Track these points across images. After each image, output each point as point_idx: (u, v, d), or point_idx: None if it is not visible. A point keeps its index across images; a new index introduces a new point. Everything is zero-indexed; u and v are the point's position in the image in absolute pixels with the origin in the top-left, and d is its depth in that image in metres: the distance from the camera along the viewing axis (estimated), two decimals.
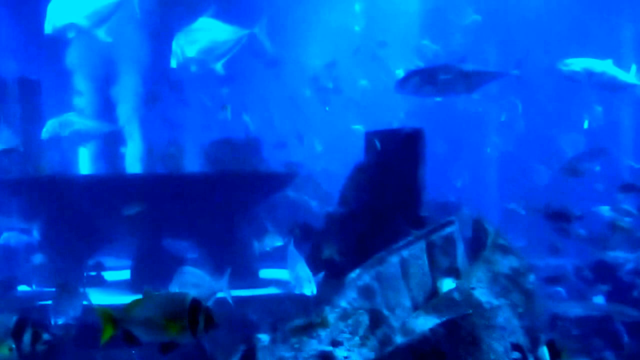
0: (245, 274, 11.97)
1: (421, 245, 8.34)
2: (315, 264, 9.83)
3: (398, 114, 22.43)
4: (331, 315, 7.24)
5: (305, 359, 6.94)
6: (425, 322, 7.01)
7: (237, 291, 9.56)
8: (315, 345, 6.97)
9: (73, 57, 13.85)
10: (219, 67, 12.92)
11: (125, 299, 5.41)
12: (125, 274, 12.96)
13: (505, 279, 7.59)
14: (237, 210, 12.90)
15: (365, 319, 7.19)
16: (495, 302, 7.29)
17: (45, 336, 5.72)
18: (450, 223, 8.66)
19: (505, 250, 7.97)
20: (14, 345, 5.55)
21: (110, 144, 14.56)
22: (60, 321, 8.95)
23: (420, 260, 8.21)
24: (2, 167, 13.74)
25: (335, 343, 6.98)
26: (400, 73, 16.01)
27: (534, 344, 7.13)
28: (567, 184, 15.87)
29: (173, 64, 12.95)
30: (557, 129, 24.28)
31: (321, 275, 9.32)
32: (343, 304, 7.53)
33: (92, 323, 5.69)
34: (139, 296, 5.03)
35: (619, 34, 23.78)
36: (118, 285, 12.67)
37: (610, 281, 12.22)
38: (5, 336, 5.55)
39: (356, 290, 7.72)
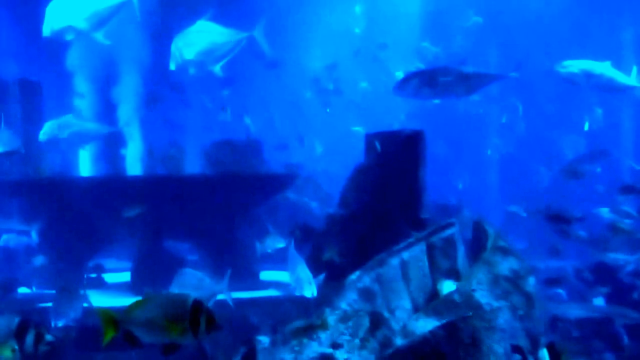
0: (245, 276, 11.97)
1: (421, 247, 8.35)
2: (315, 265, 9.82)
3: (399, 115, 22.43)
4: (331, 317, 7.23)
5: None
6: (425, 324, 7.01)
7: (238, 293, 9.57)
8: (315, 347, 6.96)
9: (74, 59, 13.85)
10: (217, 69, 12.93)
11: (125, 300, 5.41)
12: (125, 276, 12.95)
13: (505, 281, 7.59)
14: (237, 212, 12.90)
15: (365, 321, 7.19)
16: (496, 304, 7.29)
17: (48, 337, 5.73)
18: (450, 225, 8.66)
19: (505, 252, 7.97)
20: (16, 346, 5.55)
21: (110, 146, 14.56)
22: (60, 323, 8.95)
23: (420, 262, 8.21)
24: (3, 169, 13.74)
25: (336, 345, 6.98)
26: (400, 75, 16.00)
27: (534, 346, 7.13)
28: (567, 186, 15.88)
29: (172, 66, 12.96)
30: (557, 130, 24.29)
31: (321, 277, 9.32)
32: (343, 305, 7.53)
33: (92, 325, 5.69)
34: (140, 298, 5.03)
35: (620, 36, 23.78)
36: (118, 287, 12.67)
37: (611, 283, 12.22)
38: (8, 337, 5.56)
39: (356, 292, 7.72)
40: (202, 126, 19.90)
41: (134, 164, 14.48)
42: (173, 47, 12.86)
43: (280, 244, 11.71)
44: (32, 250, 13.09)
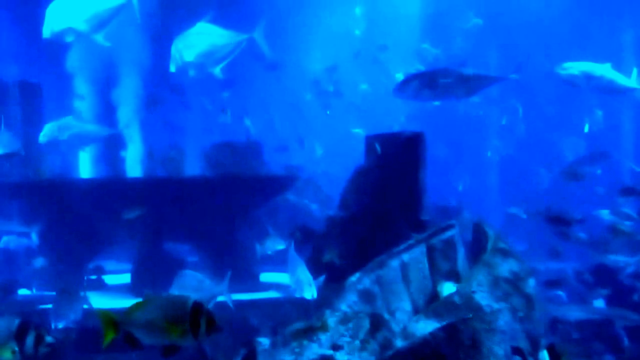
0: (245, 278, 11.97)
1: (422, 248, 8.34)
2: (315, 267, 9.83)
3: (399, 117, 22.43)
4: (331, 319, 7.23)
5: None
6: (425, 326, 7.01)
7: (238, 295, 9.56)
8: (315, 349, 6.96)
9: (74, 61, 13.86)
10: (217, 71, 12.93)
11: (125, 302, 5.41)
12: (125, 278, 12.95)
13: (505, 282, 7.58)
14: (237, 214, 12.90)
15: (365, 323, 7.18)
16: (496, 305, 7.28)
17: (48, 339, 5.72)
18: (450, 227, 8.65)
19: (505, 253, 7.96)
20: (17, 348, 5.55)
21: (110, 148, 14.56)
22: (60, 325, 8.95)
23: (420, 264, 8.21)
24: (4, 171, 13.74)
25: (336, 347, 6.98)
26: (400, 77, 16.00)
27: (535, 348, 7.13)
28: (567, 188, 15.88)
29: (172, 68, 12.96)
30: (557, 132, 24.30)
31: (322, 278, 9.32)
32: (343, 307, 7.53)
33: (92, 327, 5.69)
34: (140, 300, 5.03)
35: (620, 38, 23.79)
36: (118, 289, 12.67)
37: (611, 285, 12.22)
38: (8, 339, 5.56)
39: (357, 293, 7.72)
40: (202, 128, 19.92)
41: (134, 165, 14.48)
42: (173, 49, 12.86)
43: (281, 246, 11.71)
44: (33, 252, 13.09)
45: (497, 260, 7.84)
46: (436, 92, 10.31)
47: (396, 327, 7.35)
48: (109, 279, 13.29)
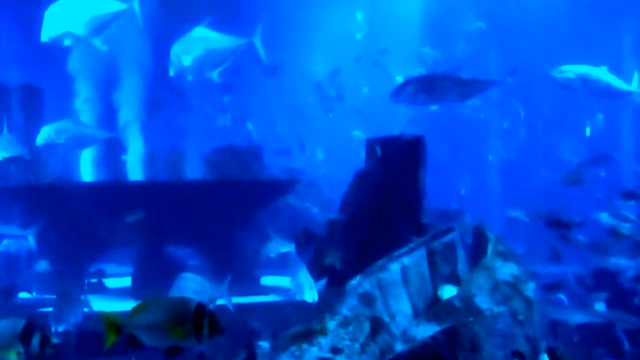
0: (246, 281, 11.98)
1: (422, 252, 8.34)
2: (316, 270, 9.83)
3: (400, 121, 22.43)
4: (331, 322, 7.23)
5: None
6: (425, 329, 7.01)
7: (238, 298, 9.57)
8: (315, 353, 6.95)
9: (75, 64, 13.87)
10: (214, 75, 12.93)
11: (126, 305, 5.42)
12: (126, 281, 12.96)
13: (506, 286, 7.59)
14: (238, 217, 12.91)
15: (365, 326, 7.18)
16: (496, 309, 7.29)
17: (54, 340, 5.73)
18: (451, 230, 8.66)
19: (506, 257, 7.97)
20: (22, 350, 5.55)
21: (111, 151, 14.57)
22: (60, 328, 8.95)
23: (421, 267, 8.21)
24: (7, 175, 13.73)
25: (336, 350, 6.97)
26: (400, 80, 16.03)
27: (535, 351, 7.13)
28: (568, 191, 15.86)
29: (171, 72, 12.98)
30: (558, 136, 24.29)
31: (322, 282, 9.33)
32: (344, 310, 7.53)
33: (92, 330, 5.69)
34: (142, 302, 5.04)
35: (620, 41, 23.80)
36: (119, 292, 12.68)
37: (611, 288, 12.21)
38: (13, 340, 5.56)
39: (357, 297, 7.71)
40: (203, 132, 19.92)
41: (135, 169, 14.49)
42: (172, 54, 12.88)
43: (285, 248, 11.72)
44: (33, 255, 13.09)
45: (498, 264, 7.85)
46: (432, 97, 10.32)
47: (396, 331, 7.35)
48: (110, 283, 13.30)
